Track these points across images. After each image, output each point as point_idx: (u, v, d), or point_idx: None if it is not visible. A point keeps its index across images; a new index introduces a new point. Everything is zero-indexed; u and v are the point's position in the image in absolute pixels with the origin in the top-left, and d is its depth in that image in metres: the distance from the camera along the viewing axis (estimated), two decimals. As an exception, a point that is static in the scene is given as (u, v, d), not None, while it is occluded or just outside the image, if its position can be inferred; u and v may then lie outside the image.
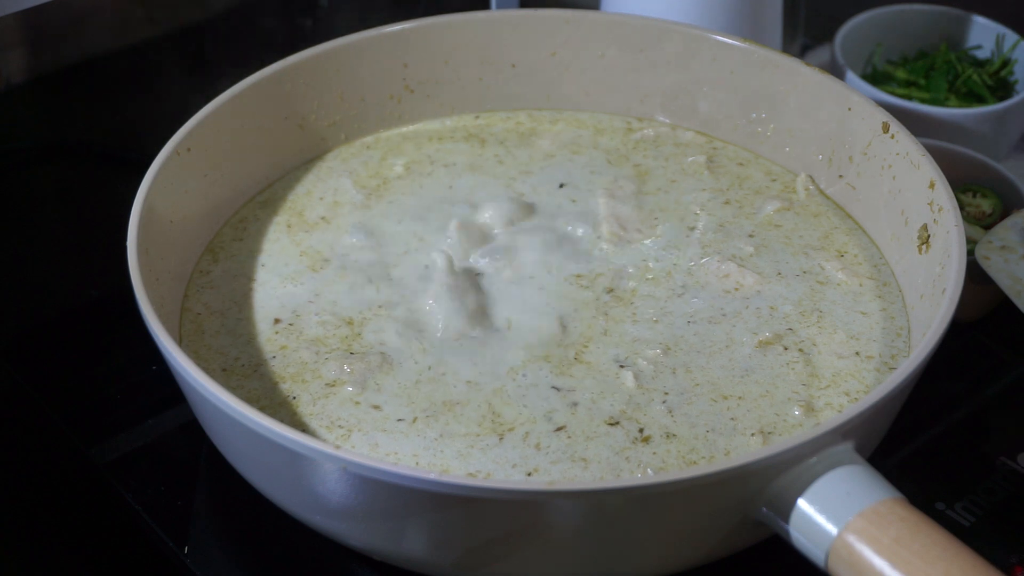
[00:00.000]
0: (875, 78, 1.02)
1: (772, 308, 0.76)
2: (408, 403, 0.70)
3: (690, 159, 0.86)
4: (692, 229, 0.81)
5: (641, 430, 0.69)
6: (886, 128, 0.79)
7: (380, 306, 0.76)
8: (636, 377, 0.71)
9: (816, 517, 0.60)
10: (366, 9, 1.04)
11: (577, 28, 0.88)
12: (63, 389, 0.82)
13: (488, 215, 0.81)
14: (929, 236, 0.74)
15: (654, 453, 0.68)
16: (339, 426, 0.70)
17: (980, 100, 1.00)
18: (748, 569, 0.71)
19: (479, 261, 0.79)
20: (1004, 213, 0.88)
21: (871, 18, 1.04)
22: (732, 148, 0.87)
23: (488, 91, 0.90)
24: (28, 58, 0.95)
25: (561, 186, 0.84)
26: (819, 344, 0.74)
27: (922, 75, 1.02)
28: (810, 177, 0.84)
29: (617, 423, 0.69)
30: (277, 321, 0.75)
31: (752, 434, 0.68)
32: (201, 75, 0.99)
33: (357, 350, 0.73)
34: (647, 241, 0.80)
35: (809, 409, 0.70)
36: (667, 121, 0.89)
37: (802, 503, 0.60)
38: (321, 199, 0.84)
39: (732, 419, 0.69)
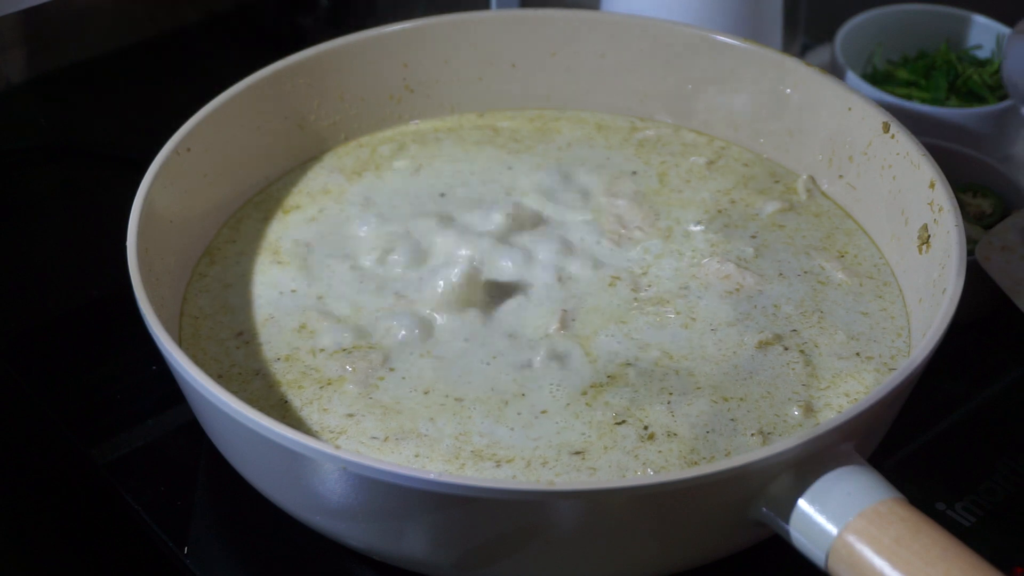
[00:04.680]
0: (875, 78, 1.02)
1: (776, 307, 0.76)
2: (413, 404, 0.70)
3: (692, 159, 0.86)
4: (694, 229, 0.81)
5: (646, 427, 0.69)
6: (886, 128, 0.79)
7: (380, 306, 0.76)
8: (637, 377, 0.71)
9: (816, 517, 0.60)
10: (366, 9, 1.04)
11: (577, 28, 0.88)
12: (63, 389, 0.82)
13: (488, 215, 0.81)
14: (929, 236, 0.74)
15: (659, 452, 0.68)
16: (331, 431, 0.69)
17: (980, 100, 1.00)
18: (748, 569, 0.71)
19: (480, 260, 0.79)
20: (1004, 213, 0.88)
21: (871, 18, 1.04)
22: (734, 148, 0.87)
23: (488, 91, 0.90)
24: (28, 58, 0.95)
25: (562, 186, 0.84)
26: (820, 345, 0.74)
27: (922, 75, 1.02)
28: (811, 178, 0.84)
29: (623, 422, 0.69)
30: (273, 323, 0.75)
31: (752, 434, 0.68)
32: (201, 75, 0.99)
33: (357, 350, 0.73)
34: (648, 241, 0.80)
35: (809, 410, 0.70)
36: (669, 121, 0.89)
37: (802, 503, 0.60)
38: (319, 199, 0.84)
39: (732, 420, 0.69)
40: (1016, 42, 0.86)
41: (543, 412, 0.70)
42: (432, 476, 0.59)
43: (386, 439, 0.69)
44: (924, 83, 1.01)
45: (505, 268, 0.78)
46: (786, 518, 0.61)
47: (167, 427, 0.79)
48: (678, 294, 0.77)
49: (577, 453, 0.68)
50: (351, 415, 0.70)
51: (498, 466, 0.67)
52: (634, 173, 0.85)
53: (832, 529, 0.59)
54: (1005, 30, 1.03)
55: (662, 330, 0.74)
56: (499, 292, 0.77)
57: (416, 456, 0.68)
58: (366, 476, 0.60)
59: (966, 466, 0.78)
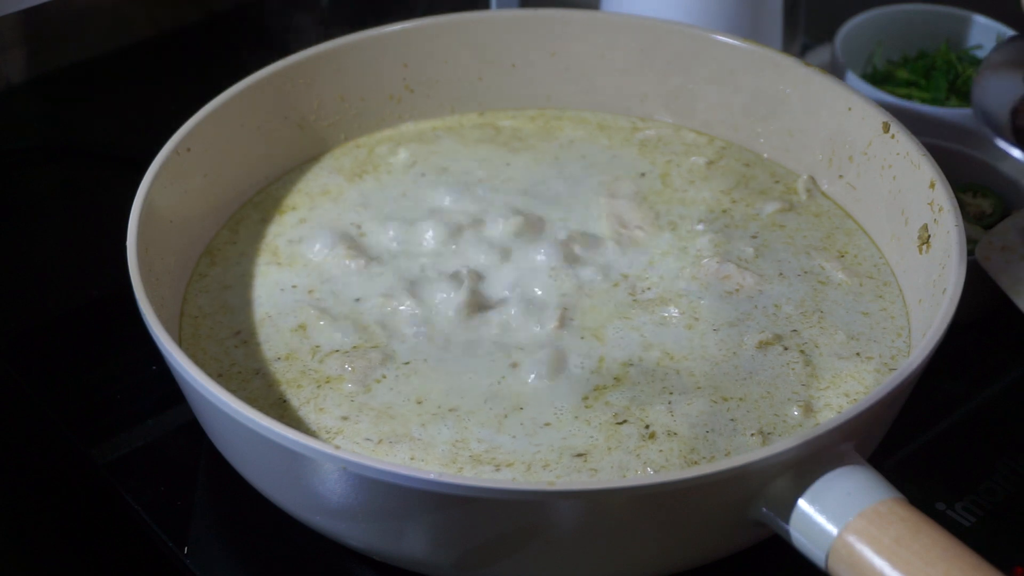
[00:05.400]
0: (875, 78, 1.02)
1: (776, 307, 0.76)
2: (414, 403, 0.70)
3: (692, 159, 0.86)
4: (694, 230, 0.81)
5: (647, 427, 0.69)
6: (886, 128, 0.79)
7: (379, 306, 0.76)
8: (638, 377, 0.71)
9: (816, 517, 0.60)
10: (366, 9, 1.04)
11: (577, 28, 0.88)
12: (63, 389, 0.82)
13: (489, 215, 0.81)
14: (929, 236, 0.74)
15: (660, 451, 0.68)
16: (328, 431, 0.69)
17: (980, 100, 1.00)
18: (748, 569, 0.71)
19: (480, 260, 0.79)
20: (1004, 213, 0.88)
21: (871, 18, 1.04)
22: (734, 148, 0.87)
23: (488, 91, 0.90)
24: (28, 58, 0.95)
25: (563, 185, 0.84)
26: (820, 345, 0.74)
27: (922, 75, 1.02)
28: (811, 178, 0.84)
29: (624, 421, 0.69)
30: (272, 323, 0.75)
31: (752, 434, 0.68)
32: (201, 75, 0.99)
33: (356, 350, 0.73)
34: (648, 241, 0.80)
35: (808, 410, 0.70)
36: (669, 121, 0.89)
37: (802, 503, 0.60)
38: (319, 200, 0.84)
39: (732, 420, 0.69)
40: (987, 74, 0.87)
41: (546, 424, 0.69)
42: (432, 476, 0.59)
43: (380, 442, 0.68)
44: (924, 83, 1.01)
45: (505, 268, 0.78)
46: (786, 518, 0.61)
47: (167, 427, 0.79)
48: (679, 294, 0.77)
49: (580, 455, 0.68)
50: (346, 418, 0.70)
51: (497, 470, 0.67)
52: (643, 175, 0.85)
53: (832, 529, 0.59)
54: (1005, 30, 1.03)
55: (663, 330, 0.74)
56: (499, 292, 0.77)
57: (411, 459, 0.68)
58: (366, 476, 0.60)
59: (966, 466, 0.78)
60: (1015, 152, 0.89)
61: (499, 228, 0.81)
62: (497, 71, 0.89)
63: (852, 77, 0.99)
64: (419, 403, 0.70)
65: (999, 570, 0.57)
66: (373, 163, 0.86)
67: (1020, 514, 0.75)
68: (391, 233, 0.81)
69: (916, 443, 0.79)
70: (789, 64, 0.84)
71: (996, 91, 0.87)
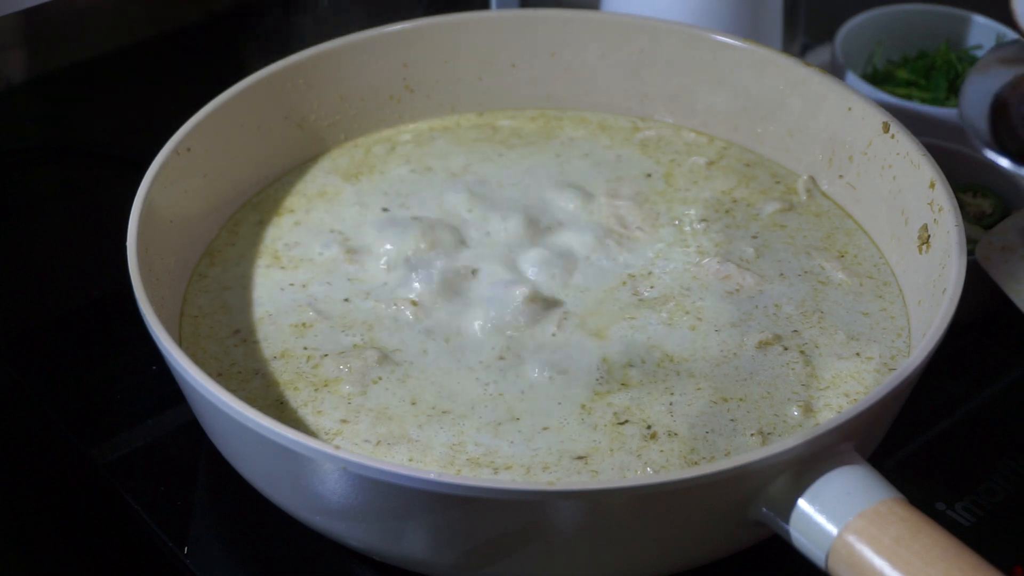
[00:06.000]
0: (875, 78, 1.02)
1: (776, 307, 0.76)
2: (409, 404, 0.70)
3: (693, 159, 0.86)
4: (694, 230, 0.81)
5: (649, 427, 0.69)
6: (886, 128, 0.79)
7: (377, 307, 0.76)
8: (639, 378, 0.71)
9: (816, 517, 0.60)
10: (366, 9, 1.04)
11: (577, 28, 0.88)
12: (63, 389, 0.82)
13: (487, 215, 0.81)
14: (929, 236, 0.74)
15: (660, 451, 0.68)
16: (327, 432, 0.69)
17: (980, 100, 0.99)
18: (748, 569, 0.71)
19: (478, 260, 0.79)
20: (1004, 213, 0.88)
21: (871, 18, 1.04)
22: (734, 148, 0.87)
23: (488, 91, 0.90)
24: (28, 58, 0.95)
25: (563, 186, 0.84)
26: (820, 345, 0.74)
27: (922, 75, 1.02)
28: (811, 178, 0.84)
29: (626, 421, 0.69)
30: (271, 322, 0.75)
31: (751, 435, 0.68)
32: (201, 75, 0.99)
33: (354, 350, 0.73)
34: (649, 241, 0.80)
35: (808, 410, 0.70)
36: (670, 121, 0.89)
37: (802, 503, 0.60)
38: (317, 200, 0.84)
39: (732, 420, 0.69)
40: (972, 82, 0.87)
41: (544, 428, 0.69)
42: (432, 476, 0.59)
43: (378, 443, 0.68)
44: (924, 83, 1.01)
45: (505, 268, 0.78)
46: (786, 518, 0.61)
47: (167, 427, 0.79)
48: (679, 295, 0.77)
49: (580, 458, 0.67)
50: (345, 420, 0.70)
51: (496, 473, 0.67)
52: (635, 173, 0.85)
53: (832, 529, 0.59)
54: (1005, 30, 1.03)
55: (663, 330, 0.74)
56: (499, 292, 0.76)
57: (410, 460, 0.68)
58: (366, 476, 0.60)
59: (966, 466, 0.78)
60: (1002, 161, 0.89)
61: (499, 228, 0.81)
62: (497, 71, 0.89)
63: (852, 77, 0.99)
64: (413, 403, 0.70)
65: (999, 570, 0.57)
66: (371, 163, 0.86)
67: (1020, 514, 0.75)
68: (389, 233, 0.80)
69: (916, 443, 0.79)
70: (789, 64, 0.84)
71: (976, 101, 0.87)
